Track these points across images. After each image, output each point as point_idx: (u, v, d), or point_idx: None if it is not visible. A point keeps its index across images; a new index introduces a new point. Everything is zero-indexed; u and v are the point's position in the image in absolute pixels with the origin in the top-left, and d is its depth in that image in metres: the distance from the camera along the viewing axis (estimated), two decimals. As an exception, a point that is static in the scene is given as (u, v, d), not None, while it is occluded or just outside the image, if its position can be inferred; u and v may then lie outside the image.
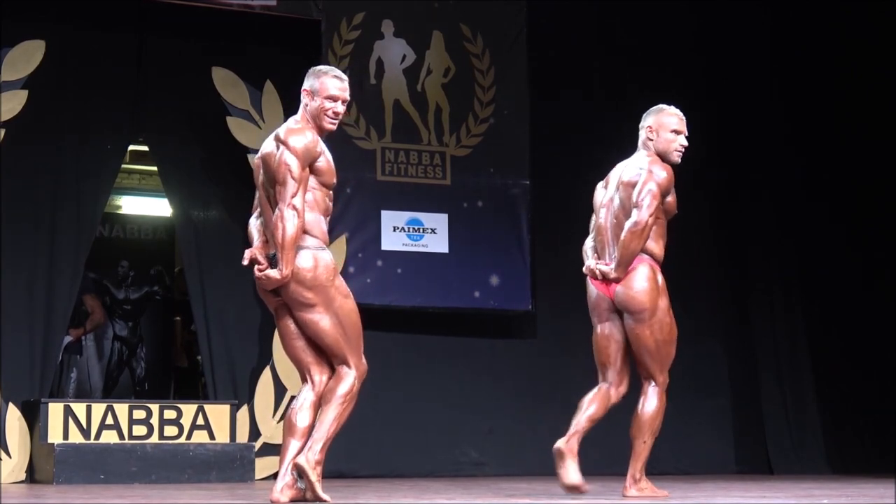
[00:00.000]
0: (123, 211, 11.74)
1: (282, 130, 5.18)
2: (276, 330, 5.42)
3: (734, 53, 10.11)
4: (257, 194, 5.35)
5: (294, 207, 5.03)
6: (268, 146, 5.21)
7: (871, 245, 10.01)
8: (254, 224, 5.35)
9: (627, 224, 5.69)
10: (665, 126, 5.83)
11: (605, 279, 5.76)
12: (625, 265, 5.70)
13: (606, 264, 5.78)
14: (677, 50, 9.97)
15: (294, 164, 5.06)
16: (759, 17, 10.12)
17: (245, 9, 8.54)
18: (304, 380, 5.30)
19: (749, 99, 10.08)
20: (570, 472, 5.61)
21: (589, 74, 9.62)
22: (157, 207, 11.46)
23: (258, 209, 5.35)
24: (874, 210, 10.03)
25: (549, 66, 9.41)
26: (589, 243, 5.96)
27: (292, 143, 5.09)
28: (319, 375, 5.25)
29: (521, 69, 9.28)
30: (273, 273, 5.07)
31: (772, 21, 10.15)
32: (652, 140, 5.83)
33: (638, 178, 5.74)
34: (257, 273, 5.13)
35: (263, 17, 8.64)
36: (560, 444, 5.64)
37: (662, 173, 5.73)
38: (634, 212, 5.69)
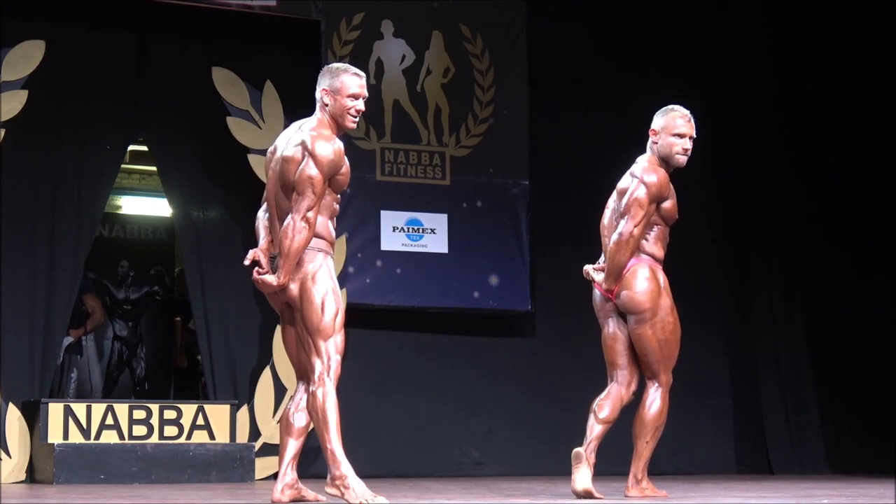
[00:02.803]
0: (123, 211, 11.75)
1: (307, 136, 5.06)
2: (280, 330, 5.38)
3: (734, 53, 10.11)
4: (267, 186, 5.30)
5: (307, 220, 4.98)
6: (290, 149, 5.09)
7: (872, 245, 10.01)
8: (262, 219, 5.30)
9: (613, 236, 5.71)
10: (668, 128, 5.81)
11: (600, 289, 5.79)
12: (614, 277, 5.71)
13: (603, 269, 5.80)
14: (677, 50, 9.98)
15: (317, 178, 5.00)
16: (758, 19, 10.12)
17: (245, 9, 8.55)
18: (298, 379, 5.30)
19: (749, 99, 10.08)
20: (584, 477, 5.55)
21: (588, 75, 9.62)
22: (157, 207, 11.46)
23: (265, 203, 5.33)
24: (874, 211, 10.02)
25: (548, 66, 9.41)
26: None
27: (320, 156, 5.00)
28: None
29: (520, 69, 9.29)
30: (270, 279, 5.06)
31: (771, 24, 10.14)
32: (656, 143, 5.83)
33: (629, 186, 5.75)
34: (255, 276, 5.12)
35: (263, 18, 8.64)
36: (581, 448, 5.60)
37: (652, 178, 5.71)
38: (620, 223, 5.71)
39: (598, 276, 5.80)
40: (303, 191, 5.00)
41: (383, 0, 9.04)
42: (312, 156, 5.01)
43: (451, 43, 9.18)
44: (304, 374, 5.20)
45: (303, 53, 8.75)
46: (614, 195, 5.89)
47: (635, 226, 5.67)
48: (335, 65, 5.31)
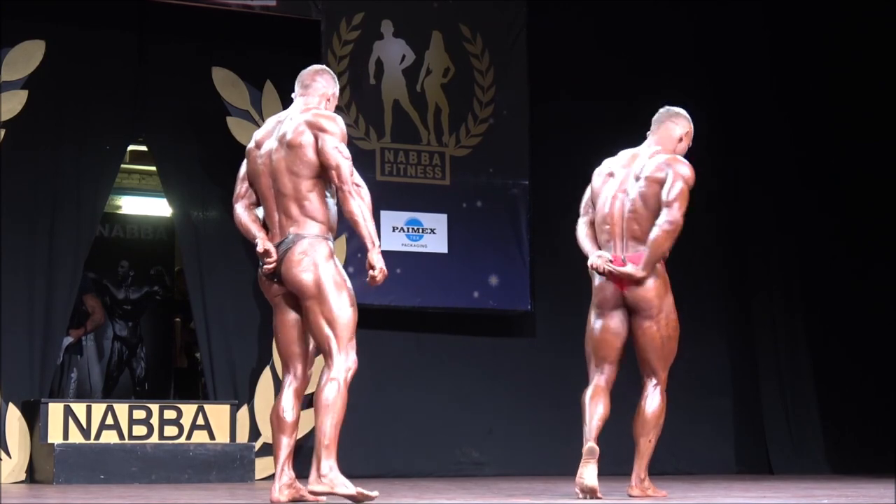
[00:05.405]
0: (123, 211, 11.74)
1: (311, 118, 5.20)
2: (276, 321, 5.34)
3: (734, 53, 10.11)
4: (244, 185, 5.35)
5: (357, 183, 5.16)
6: (297, 136, 5.18)
7: (872, 245, 10.01)
8: (248, 214, 5.33)
9: (660, 224, 5.66)
10: (689, 136, 5.96)
11: (630, 279, 5.71)
12: (653, 264, 5.69)
13: (620, 262, 5.72)
14: (677, 49, 9.97)
15: (343, 146, 5.15)
16: (758, 18, 10.12)
17: (245, 9, 8.55)
18: (286, 371, 5.28)
19: (750, 99, 10.08)
20: (593, 474, 5.54)
21: (588, 74, 9.62)
22: (157, 207, 11.46)
23: (244, 200, 5.35)
24: (875, 210, 10.03)
25: (548, 66, 9.41)
26: (584, 230, 5.93)
27: (337, 128, 5.17)
28: (303, 368, 5.26)
29: (520, 69, 9.28)
30: (377, 260, 5.14)
31: (771, 23, 10.14)
32: (681, 142, 5.88)
33: (664, 175, 5.73)
34: (373, 274, 5.16)
35: (263, 17, 8.64)
36: (594, 443, 5.58)
37: (689, 172, 5.77)
38: (666, 211, 5.68)
39: (630, 267, 5.71)
40: (337, 163, 5.12)
41: (383, 0, 9.04)
42: (325, 130, 5.16)
43: (451, 43, 9.18)
44: (295, 365, 5.24)
45: (303, 53, 8.73)
46: (623, 179, 5.85)
47: (683, 215, 5.70)
48: (331, 71, 5.51)
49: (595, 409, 5.68)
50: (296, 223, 5.18)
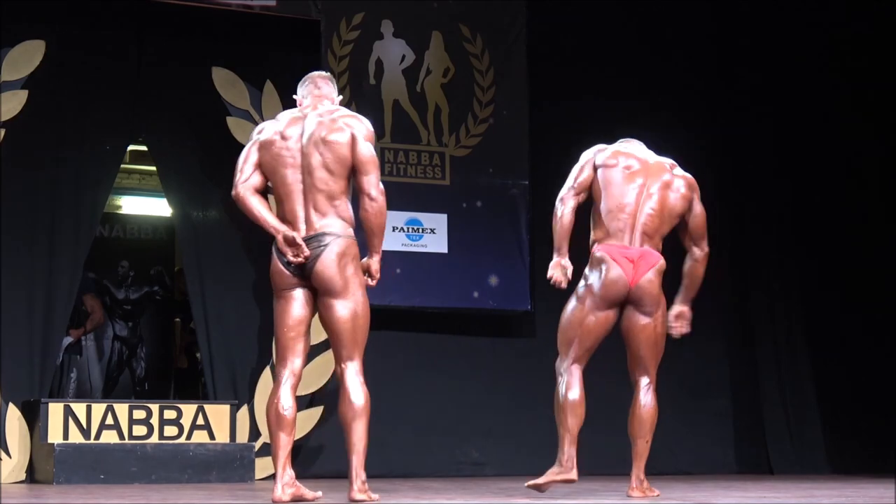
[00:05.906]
0: (123, 211, 11.75)
1: (349, 120, 5.28)
2: (281, 308, 5.26)
3: (733, 54, 10.10)
4: (252, 171, 5.30)
5: (382, 192, 5.25)
6: (333, 134, 5.22)
7: (871, 246, 10.01)
8: (261, 201, 5.28)
9: (698, 259, 5.95)
10: None
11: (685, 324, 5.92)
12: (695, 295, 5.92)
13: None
14: (677, 51, 9.96)
15: (374, 151, 5.27)
16: (757, 22, 10.12)
17: (245, 9, 8.55)
18: (282, 365, 5.22)
19: (750, 98, 10.07)
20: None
21: (589, 75, 9.61)
22: (157, 207, 11.47)
23: (249, 183, 5.27)
24: (874, 210, 10.03)
25: (548, 65, 9.41)
26: (569, 218, 5.92)
27: (369, 132, 5.28)
28: (301, 364, 5.25)
29: (520, 69, 9.28)
30: (378, 270, 5.34)
31: (769, 28, 10.14)
32: None
33: (690, 196, 5.88)
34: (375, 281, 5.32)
35: (263, 17, 8.64)
36: (576, 473, 5.67)
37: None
38: (702, 244, 5.95)
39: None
40: (368, 168, 5.21)
41: (383, 0, 9.04)
42: (361, 133, 5.25)
43: (451, 43, 9.18)
44: (293, 360, 5.21)
45: (303, 53, 8.74)
46: (644, 175, 5.86)
47: None
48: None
49: (576, 419, 5.67)
50: (326, 219, 5.20)
